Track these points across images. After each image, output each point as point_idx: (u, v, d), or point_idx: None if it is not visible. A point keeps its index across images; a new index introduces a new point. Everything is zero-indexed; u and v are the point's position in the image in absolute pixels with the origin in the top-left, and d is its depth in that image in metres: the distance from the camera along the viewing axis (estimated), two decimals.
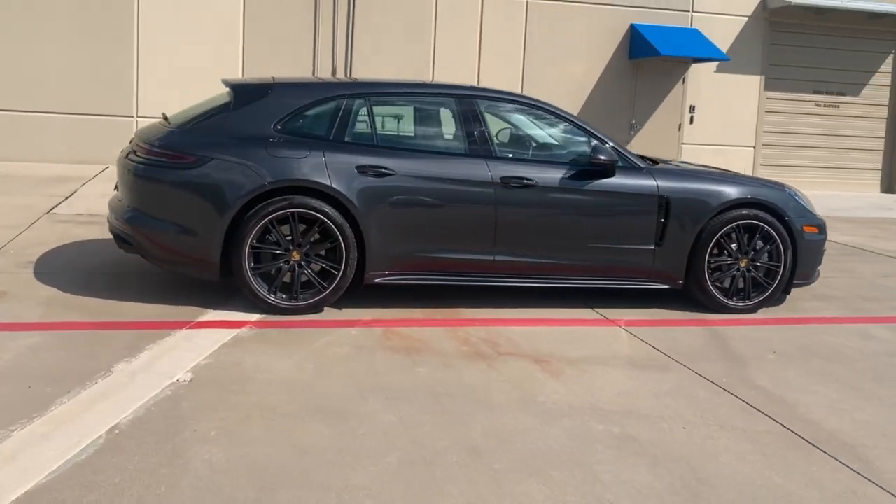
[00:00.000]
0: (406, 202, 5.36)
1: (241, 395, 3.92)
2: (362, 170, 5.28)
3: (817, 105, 16.31)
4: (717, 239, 5.79)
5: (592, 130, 5.87)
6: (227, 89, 5.73)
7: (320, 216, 5.18)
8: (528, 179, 5.51)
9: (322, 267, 5.27)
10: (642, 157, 6.01)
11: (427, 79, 14.09)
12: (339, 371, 4.33)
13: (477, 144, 5.59)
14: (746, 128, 16.03)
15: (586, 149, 5.78)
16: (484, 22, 14.41)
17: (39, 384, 3.89)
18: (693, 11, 15.36)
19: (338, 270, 5.27)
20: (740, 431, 3.85)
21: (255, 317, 5.18)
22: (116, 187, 5.75)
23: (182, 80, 12.67)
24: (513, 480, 3.22)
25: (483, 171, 5.48)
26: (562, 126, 5.92)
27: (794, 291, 6.29)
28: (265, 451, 3.35)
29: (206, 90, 13.49)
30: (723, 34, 15.40)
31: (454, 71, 14.08)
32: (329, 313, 5.34)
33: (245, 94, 5.48)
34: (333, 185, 5.20)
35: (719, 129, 15.83)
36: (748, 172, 15.65)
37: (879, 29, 16.35)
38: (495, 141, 5.69)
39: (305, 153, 5.25)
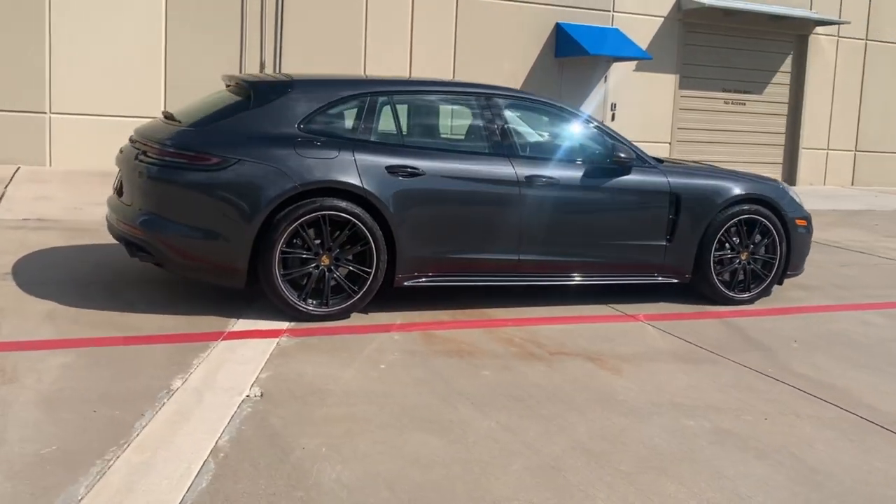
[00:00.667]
0: (436, 203, 5.26)
1: (325, 407, 3.74)
2: (392, 170, 5.14)
3: (725, 103, 17.07)
4: (722, 234, 5.97)
5: (605, 129, 5.94)
6: (239, 86, 5.47)
7: (352, 219, 5.01)
8: (551, 178, 5.52)
9: (350, 271, 5.10)
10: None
11: (366, 73, 13.91)
12: (406, 378, 4.20)
13: (500, 143, 5.55)
14: (663, 125, 16.59)
15: (601, 147, 5.83)
16: (415, 17, 14.34)
17: (103, 408, 3.59)
18: (614, 11, 15.76)
19: (368, 274, 5.11)
20: (815, 419, 3.98)
21: (285, 325, 4.95)
22: (119, 189, 5.38)
23: (100, 74, 12.01)
24: (646, 481, 3.21)
25: (508, 169, 5.44)
26: (576, 125, 5.95)
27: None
28: (387, 466, 3.21)
29: (128, 84, 12.90)
30: (641, 34, 15.87)
31: (386, 64, 13.94)
32: (357, 318, 5.18)
33: (265, 92, 5.23)
34: (365, 187, 5.04)
35: (638, 126, 16.30)
36: None
37: (780, 30, 17.26)
38: (517, 140, 5.67)
39: (335, 154, 5.06)
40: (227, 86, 5.83)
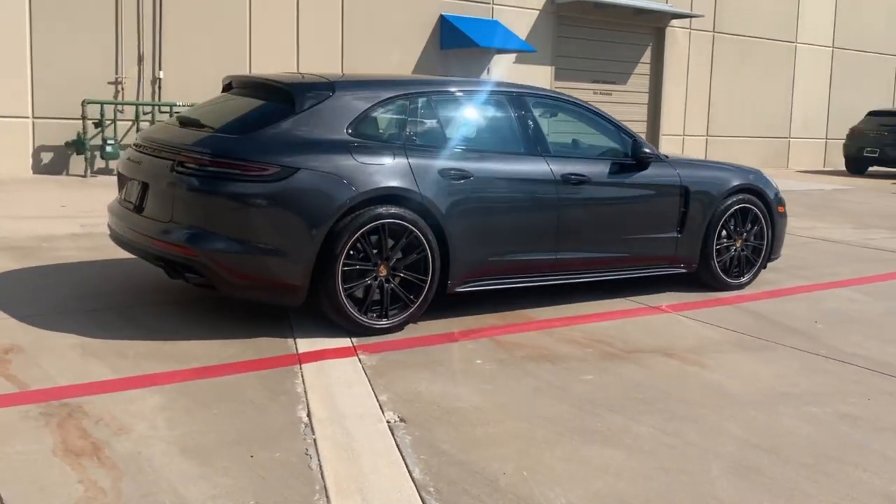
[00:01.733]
0: (483, 205, 5.15)
1: (478, 427, 3.57)
2: (443, 174, 4.97)
3: (595, 93, 17.81)
4: (723, 223, 6.26)
5: (620, 124, 6.04)
6: (269, 88, 5.13)
7: (409, 226, 4.81)
8: (583, 175, 5.54)
9: (405, 280, 4.89)
10: None
11: (251, 63, 13.34)
12: (522, 389, 4.09)
13: (534, 142, 5.51)
14: None
15: (620, 143, 5.93)
16: (301, 5, 13.88)
17: (256, 450, 3.24)
18: (493, 4, 16.01)
19: (424, 282, 4.93)
20: None
21: (346, 341, 4.68)
22: (138, 202, 4.88)
23: None
24: (834, 471, 3.31)
25: (545, 168, 5.41)
26: (596, 121, 6.00)
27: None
28: (598, 483, 3.11)
29: None
30: (518, 27, 16.23)
31: (272, 55, 13.46)
32: (411, 329, 4.98)
33: (308, 95, 4.88)
34: (422, 192, 4.85)
35: None
36: None
37: (641, 23, 18.21)
38: (548, 139, 5.65)
39: (389, 158, 4.83)
40: (238, 86, 5.45)
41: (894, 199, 14.62)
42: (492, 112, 5.60)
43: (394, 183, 4.79)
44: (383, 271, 4.80)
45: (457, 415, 3.72)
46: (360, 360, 4.40)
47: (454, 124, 5.39)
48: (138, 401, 3.71)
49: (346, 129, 4.84)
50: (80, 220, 8.30)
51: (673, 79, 18.70)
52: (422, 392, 3.97)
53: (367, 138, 4.89)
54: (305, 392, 3.90)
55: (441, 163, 4.99)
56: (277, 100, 4.98)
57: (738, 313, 5.79)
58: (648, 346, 4.91)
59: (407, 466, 3.18)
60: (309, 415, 3.63)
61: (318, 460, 3.19)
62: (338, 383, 4.04)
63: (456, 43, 15.22)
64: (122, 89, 12.46)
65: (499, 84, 5.80)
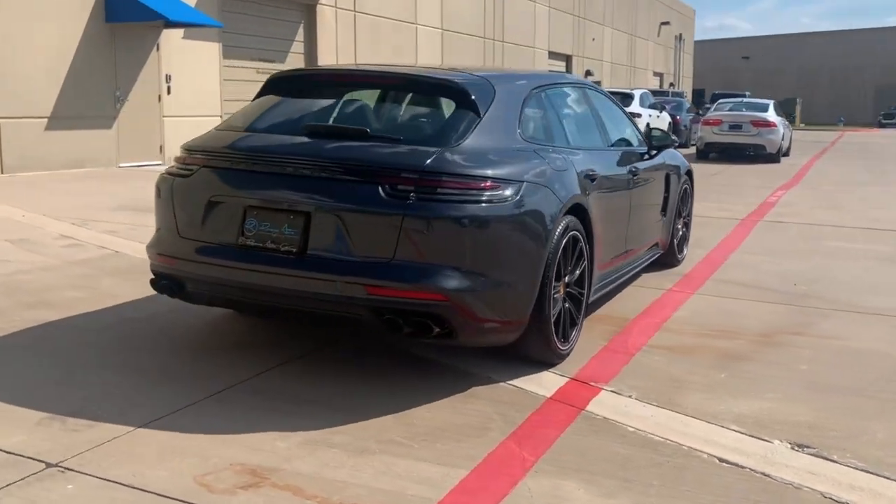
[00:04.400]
0: (608, 206, 4.67)
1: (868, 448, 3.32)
2: (583, 175, 4.38)
3: (258, 73, 16.82)
4: (679, 203, 6.53)
5: (626, 112, 5.90)
6: (439, 86, 4.12)
7: (580, 236, 4.18)
8: (636, 167, 5.33)
9: (569, 294, 4.24)
10: None
11: None
12: (802, 395, 3.87)
13: (607, 136, 5.16)
14: (213, 97, 15.62)
15: (635, 132, 5.79)
16: None
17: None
18: None
19: (583, 296, 4.34)
20: None
21: (548, 375, 3.92)
22: (302, 244, 3.44)
23: None
24: None
25: (619, 160, 5.11)
26: (616, 111, 5.73)
27: None
28: None
29: None
30: None
31: None
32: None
33: (485, 97, 3.96)
34: (588, 198, 4.25)
35: (192, 99, 15.08)
36: None
37: (292, 0, 17.60)
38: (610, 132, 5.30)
39: (563, 163, 4.13)
40: (347, 84, 4.43)
41: None
42: (583, 106, 5.11)
43: (577, 191, 4.13)
44: (562, 290, 4.11)
45: (816, 432, 3.41)
46: (613, 393, 3.74)
47: (570, 121, 4.79)
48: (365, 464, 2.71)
49: (518, 132, 4.02)
50: None
51: (327, 58, 18.48)
52: (747, 416, 3.54)
53: (534, 142, 4.13)
54: (643, 444, 3.21)
55: (581, 164, 4.40)
56: (439, 102, 4.07)
57: (720, 283, 6.13)
58: (765, 328, 4.94)
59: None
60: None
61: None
62: (647, 427, 3.38)
63: (127, 16, 13.11)
64: None
65: (567, 76, 5.29)
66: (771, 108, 19.69)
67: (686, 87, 47.57)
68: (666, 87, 42.34)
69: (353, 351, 4.26)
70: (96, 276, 5.66)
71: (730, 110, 19.46)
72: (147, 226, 7.48)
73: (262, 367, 3.90)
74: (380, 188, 3.44)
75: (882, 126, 51.54)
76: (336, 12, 18.74)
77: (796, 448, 3.21)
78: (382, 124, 4.16)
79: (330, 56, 18.60)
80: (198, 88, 15.17)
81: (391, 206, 3.41)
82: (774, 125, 18.49)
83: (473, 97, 3.91)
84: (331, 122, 4.16)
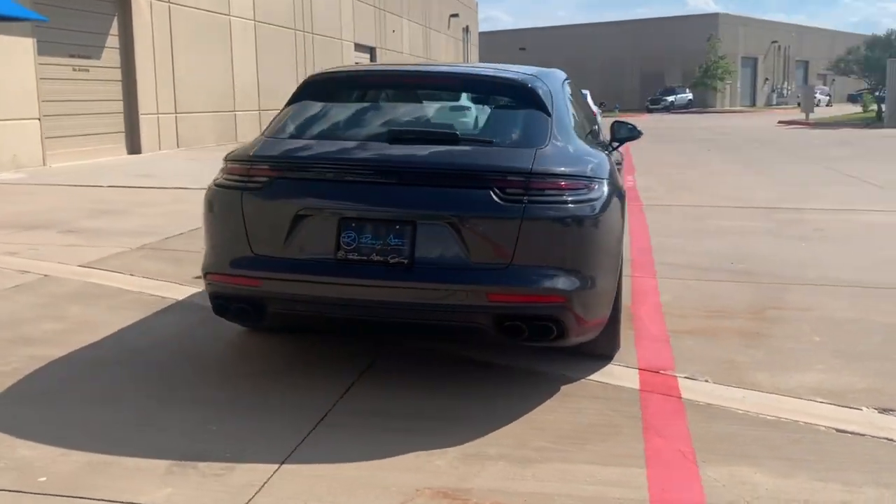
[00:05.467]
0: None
1: None
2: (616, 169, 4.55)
3: (74, 70, 15.51)
4: None
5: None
6: (501, 85, 4.18)
7: None
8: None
9: None
10: None
11: None
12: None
13: (592, 129, 5.30)
14: (28, 98, 14.17)
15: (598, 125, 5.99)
16: None
17: None
18: None
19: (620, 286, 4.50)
20: None
21: (617, 367, 4.05)
22: (409, 254, 3.29)
23: None
24: None
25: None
26: (588, 104, 5.88)
27: None
28: None
29: None
30: None
31: None
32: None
33: (547, 95, 4.03)
34: None
35: (6, 101, 13.60)
36: (38, 149, 14.28)
37: None
38: None
39: (613, 158, 4.34)
40: (404, 86, 4.24)
41: None
42: (576, 99, 5.22)
43: (622, 183, 4.27)
44: None
45: None
46: (685, 377, 3.94)
47: (580, 115, 4.88)
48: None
49: (573, 128, 4.08)
50: None
51: (144, 54, 17.32)
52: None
53: (582, 137, 4.20)
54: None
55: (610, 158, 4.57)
56: (508, 102, 4.05)
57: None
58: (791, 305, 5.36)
59: None
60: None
61: None
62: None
63: None
64: None
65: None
66: (589, 98, 20.94)
67: None
68: None
69: (404, 360, 4.15)
70: (56, 305, 5.07)
71: None
72: (47, 244, 6.79)
73: (332, 388, 3.71)
74: (491, 193, 3.39)
75: (649, 111, 56.29)
76: (151, 4, 17.60)
77: (883, 412, 3.56)
78: (462, 127, 4.06)
79: (149, 53, 17.47)
80: (10, 89, 13.71)
81: (507, 210, 3.38)
82: (594, 115, 19.73)
83: (541, 95, 3.94)
84: (403, 125, 3.99)
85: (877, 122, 32.51)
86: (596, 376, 3.93)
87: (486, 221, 3.40)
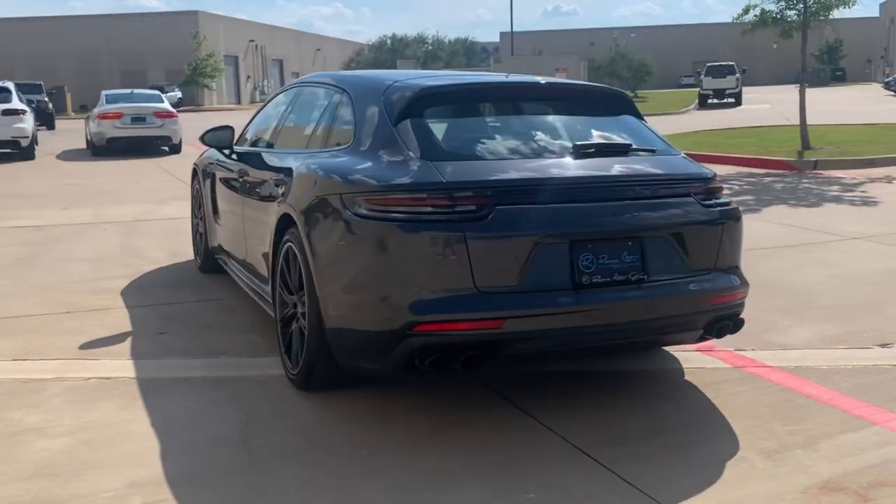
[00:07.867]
0: None
1: None
2: None
3: None
4: None
5: None
6: (599, 95, 4.35)
7: None
8: None
9: None
10: None
11: None
12: None
13: None
14: None
15: None
16: None
17: None
18: None
19: None
20: None
21: (672, 351, 4.49)
22: (613, 271, 3.39)
23: None
24: None
25: None
26: None
27: None
28: None
29: None
30: None
31: None
32: None
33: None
34: None
35: None
36: None
37: None
38: None
39: None
40: (504, 97, 3.89)
41: None
42: None
43: None
44: None
45: None
46: (740, 351, 4.56)
47: None
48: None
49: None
50: None
51: None
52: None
53: None
54: None
55: None
56: (604, 110, 4.18)
57: None
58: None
59: None
60: None
61: None
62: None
63: None
64: None
65: None
66: (164, 98, 19.86)
67: None
68: None
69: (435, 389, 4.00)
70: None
71: (127, 102, 18.83)
72: None
73: (417, 433, 3.51)
74: (694, 199, 3.65)
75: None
76: None
77: None
78: (599, 137, 4.00)
79: None
80: None
81: (712, 216, 3.68)
82: (176, 115, 18.74)
83: (627, 104, 4.23)
84: (547, 137, 3.89)
85: None
86: (671, 365, 4.35)
87: (699, 228, 3.66)
